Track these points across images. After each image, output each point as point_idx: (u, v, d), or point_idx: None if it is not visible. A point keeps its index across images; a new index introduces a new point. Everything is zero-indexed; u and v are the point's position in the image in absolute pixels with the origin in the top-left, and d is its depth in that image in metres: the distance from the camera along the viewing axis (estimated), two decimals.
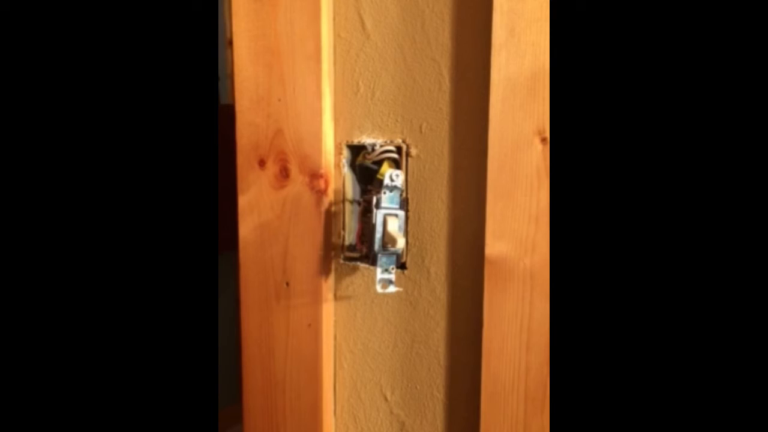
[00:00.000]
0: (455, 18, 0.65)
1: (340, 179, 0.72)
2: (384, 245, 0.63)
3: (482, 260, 0.64)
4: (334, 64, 0.70)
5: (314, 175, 0.68)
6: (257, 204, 0.71)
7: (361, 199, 0.73)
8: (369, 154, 0.69)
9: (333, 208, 0.70)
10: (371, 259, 0.64)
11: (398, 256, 0.65)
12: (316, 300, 0.70)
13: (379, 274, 0.64)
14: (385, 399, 0.74)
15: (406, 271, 0.71)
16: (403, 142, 0.69)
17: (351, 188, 0.73)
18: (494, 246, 0.63)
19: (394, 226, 0.63)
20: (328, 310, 0.72)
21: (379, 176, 0.68)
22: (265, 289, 0.72)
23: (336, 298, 0.74)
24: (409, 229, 0.70)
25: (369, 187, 0.72)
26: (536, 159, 0.61)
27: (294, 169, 0.69)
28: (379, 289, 0.64)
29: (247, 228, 0.72)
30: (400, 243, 0.62)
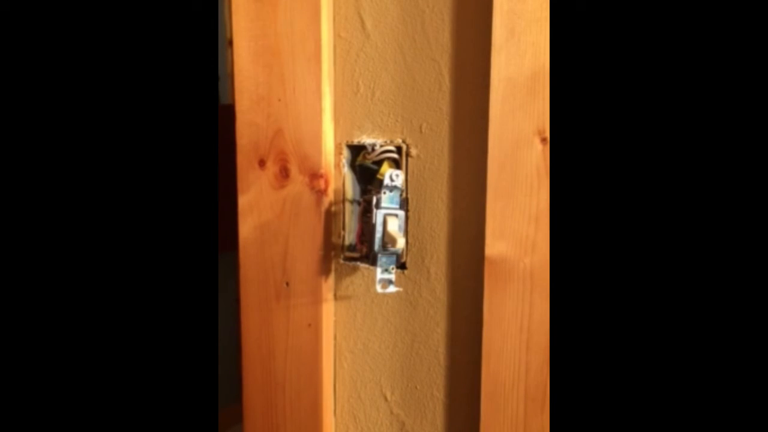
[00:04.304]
0: (455, 18, 0.65)
1: (340, 179, 0.72)
2: (384, 245, 0.63)
3: (482, 260, 0.64)
4: (334, 64, 0.70)
5: (314, 175, 0.68)
6: (257, 204, 0.71)
7: (361, 199, 0.73)
8: (369, 154, 0.69)
9: (333, 208, 0.70)
10: (371, 259, 0.64)
11: (398, 256, 0.65)
12: (316, 300, 0.70)
13: (379, 274, 0.64)
14: (385, 399, 0.74)
15: (406, 271, 0.71)
16: (403, 142, 0.69)
17: (351, 188, 0.73)
18: (494, 246, 0.63)
19: (394, 226, 0.63)
20: (328, 310, 0.72)
21: (379, 176, 0.68)
22: (265, 289, 0.72)
23: (336, 298, 0.74)
24: (409, 229, 0.70)
25: (369, 187, 0.72)
26: (536, 159, 0.61)
27: (294, 169, 0.69)
28: (379, 289, 0.64)
29: (247, 228, 0.72)
30: (400, 243, 0.62)
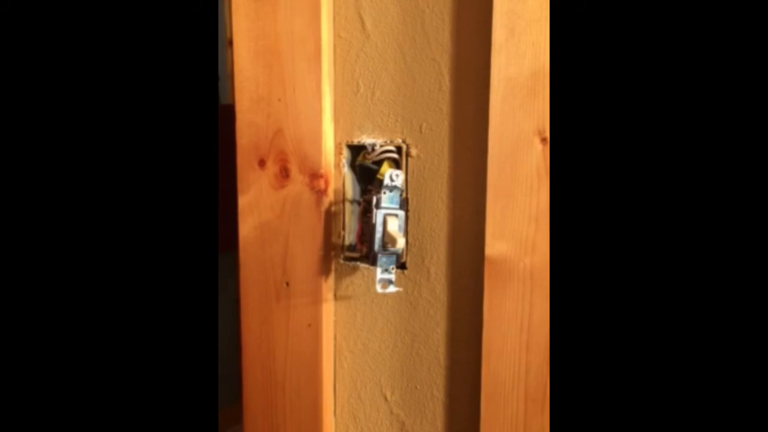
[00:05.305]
0: (455, 18, 0.65)
1: (340, 179, 0.72)
2: (384, 245, 0.63)
3: (482, 260, 0.64)
4: (334, 64, 0.70)
5: (314, 175, 0.68)
6: (257, 204, 0.71)
7: (361, 199, 0.73)
8: (369, 154, 0.69)
9: (333, 208, 0.70)
10: (371, 259, 0.64)
11: (398, 256, 0.65)
12: (316, 300, 0.70)
13: (379, 274, 0.64)
14: (385, 399, 0.74)
15: (406, 271, 0.71)
16: (403, 142, 0.69)
17: (351, 188, 0.73)
18: (494, 246, 0.63)
19: (394, 226, 0.63)
20: (328, 310, 0.72)
21: (379, 176, 0.68)
22: (265, 289, 0.72)
23: (336, 298, 0.74)
24: (409, 229, 0.70)
25: (369, 187, 0.72)
26: (536, 159, 0.61)
27: (294, 169, 0.69)
28: (379, 289, 0.64)
29: (247, 228, 0.72)
30: (400, 243, 0.62)
